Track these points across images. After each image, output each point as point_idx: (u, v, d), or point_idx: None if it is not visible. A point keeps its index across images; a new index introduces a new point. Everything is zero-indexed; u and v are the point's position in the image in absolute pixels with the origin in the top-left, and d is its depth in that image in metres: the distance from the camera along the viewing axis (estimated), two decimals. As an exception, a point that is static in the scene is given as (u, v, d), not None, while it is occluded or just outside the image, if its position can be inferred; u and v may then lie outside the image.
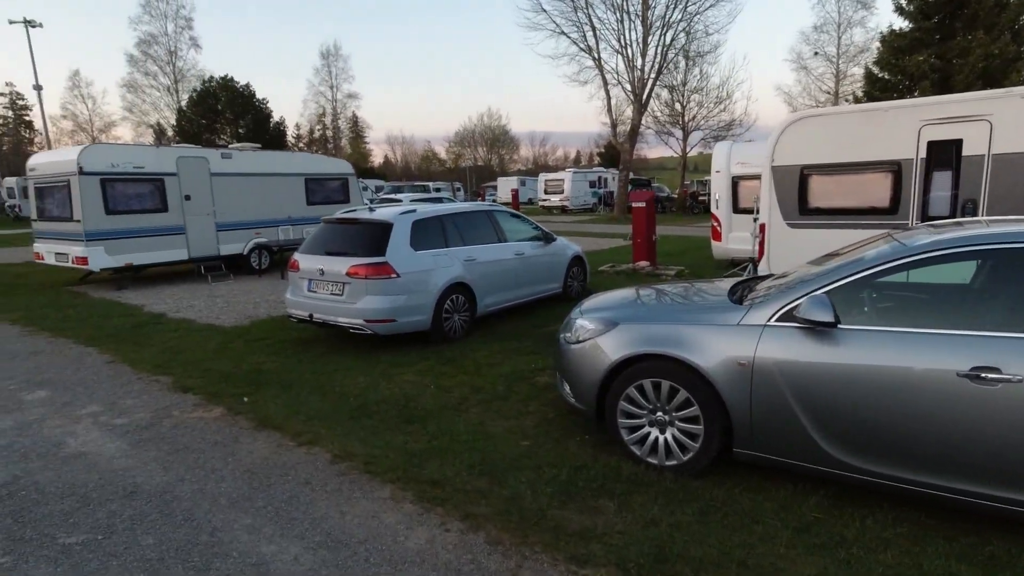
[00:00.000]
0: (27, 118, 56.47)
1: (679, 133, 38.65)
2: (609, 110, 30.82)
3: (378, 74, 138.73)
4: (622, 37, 28.91)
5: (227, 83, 47.32)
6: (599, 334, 3.97)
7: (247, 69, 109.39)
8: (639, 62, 28.91)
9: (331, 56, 61.44)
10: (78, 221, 10.36)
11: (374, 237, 6.40)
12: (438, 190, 41.56)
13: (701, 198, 36.01)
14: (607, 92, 30.17)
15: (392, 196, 20.66)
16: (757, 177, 11.78)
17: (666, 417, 3.71)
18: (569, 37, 29.21)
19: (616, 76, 30.20)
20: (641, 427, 3.81)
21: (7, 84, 55.99)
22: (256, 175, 13.02)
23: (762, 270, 7.82)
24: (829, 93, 41.93)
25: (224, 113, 47.26)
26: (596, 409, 3.96)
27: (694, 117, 38.06)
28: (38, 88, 30.37)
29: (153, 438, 4.19)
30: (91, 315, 8.51)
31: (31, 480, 3.61)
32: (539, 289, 8.42)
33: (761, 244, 7.90)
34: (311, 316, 6.47)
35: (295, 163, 14.32)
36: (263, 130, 46.46)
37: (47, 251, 11.30)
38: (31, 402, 5.00)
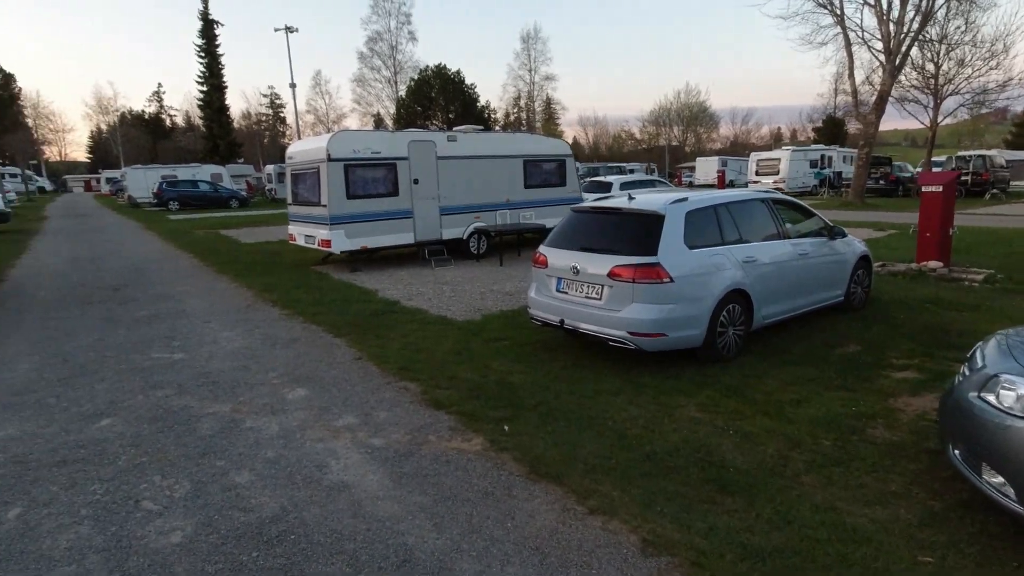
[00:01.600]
0: (281, 114, 66.00)
1: (926, 100, 31.66)
2: (850, 75, 26.12)
3: (575, 54, 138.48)
4: (875, -16, 24.01)
5: (440, 71, 50.15)
6: (1094, 414, 2.41)
7: (455, 57, 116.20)
8: (895, 13, 23.89)
9: (531, 39, 62.27)
10: (324, 205, 10.91)
11: (641, 231, 5.30)
12: (631, 171, 39.52)
13: (964, 177, 29.42)
14: (849, 53, 25.48)
15: (600, 179, 19.52)
16: None
17: None
18: (804, -8, 25.21)
19: (861, 33, 25.36)
20: None
21: (268, 87, 65.82)
22: (477, 158, 12.77)
23: None
24: None
25: (437, 100, 50.27)
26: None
27: (951, 79, 30.80)
28: (293, 86, 34.78)
29: (415, 473, 3.58)
30: (334, 299, 8.73)
31: (299, 518, 3.15)
32: (821, 297, 6.70)
33: None
34: (562, 322, 5.60)
35: (514, 144, 13.84)
36: (470, 114, 48.55)
37: (298, 233, 12.20)
38: (292, 403, 4.82)
